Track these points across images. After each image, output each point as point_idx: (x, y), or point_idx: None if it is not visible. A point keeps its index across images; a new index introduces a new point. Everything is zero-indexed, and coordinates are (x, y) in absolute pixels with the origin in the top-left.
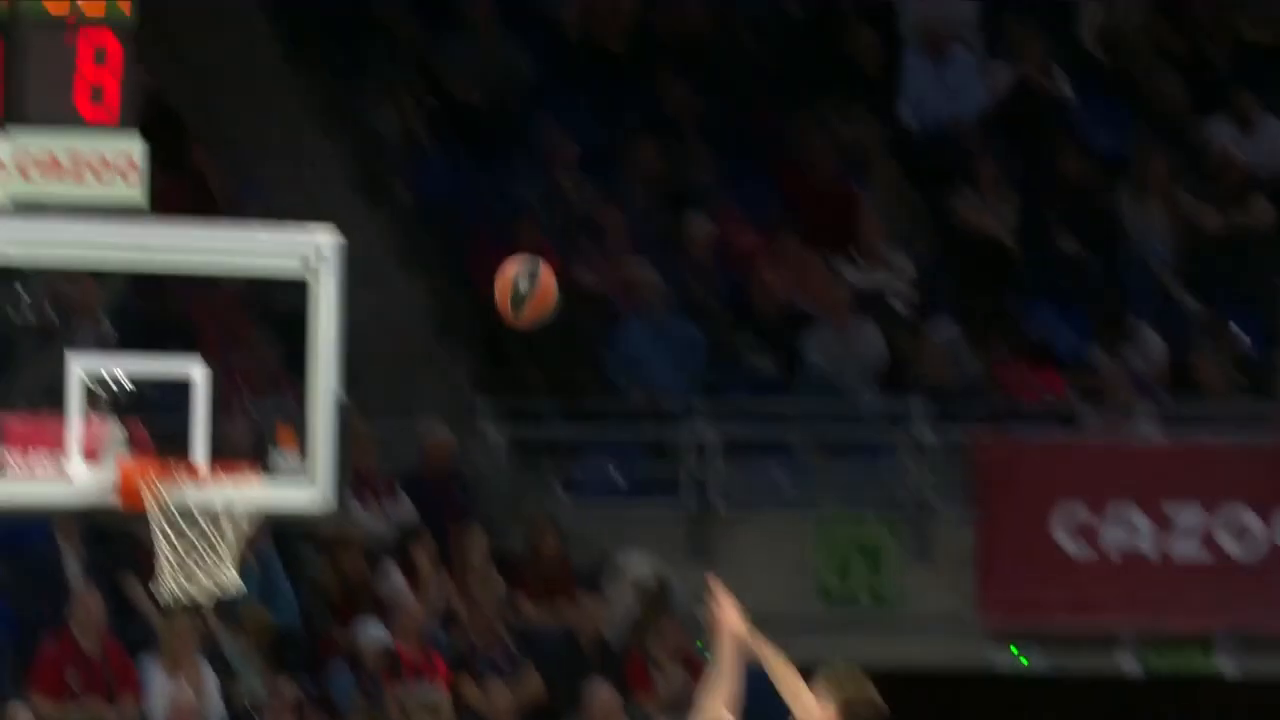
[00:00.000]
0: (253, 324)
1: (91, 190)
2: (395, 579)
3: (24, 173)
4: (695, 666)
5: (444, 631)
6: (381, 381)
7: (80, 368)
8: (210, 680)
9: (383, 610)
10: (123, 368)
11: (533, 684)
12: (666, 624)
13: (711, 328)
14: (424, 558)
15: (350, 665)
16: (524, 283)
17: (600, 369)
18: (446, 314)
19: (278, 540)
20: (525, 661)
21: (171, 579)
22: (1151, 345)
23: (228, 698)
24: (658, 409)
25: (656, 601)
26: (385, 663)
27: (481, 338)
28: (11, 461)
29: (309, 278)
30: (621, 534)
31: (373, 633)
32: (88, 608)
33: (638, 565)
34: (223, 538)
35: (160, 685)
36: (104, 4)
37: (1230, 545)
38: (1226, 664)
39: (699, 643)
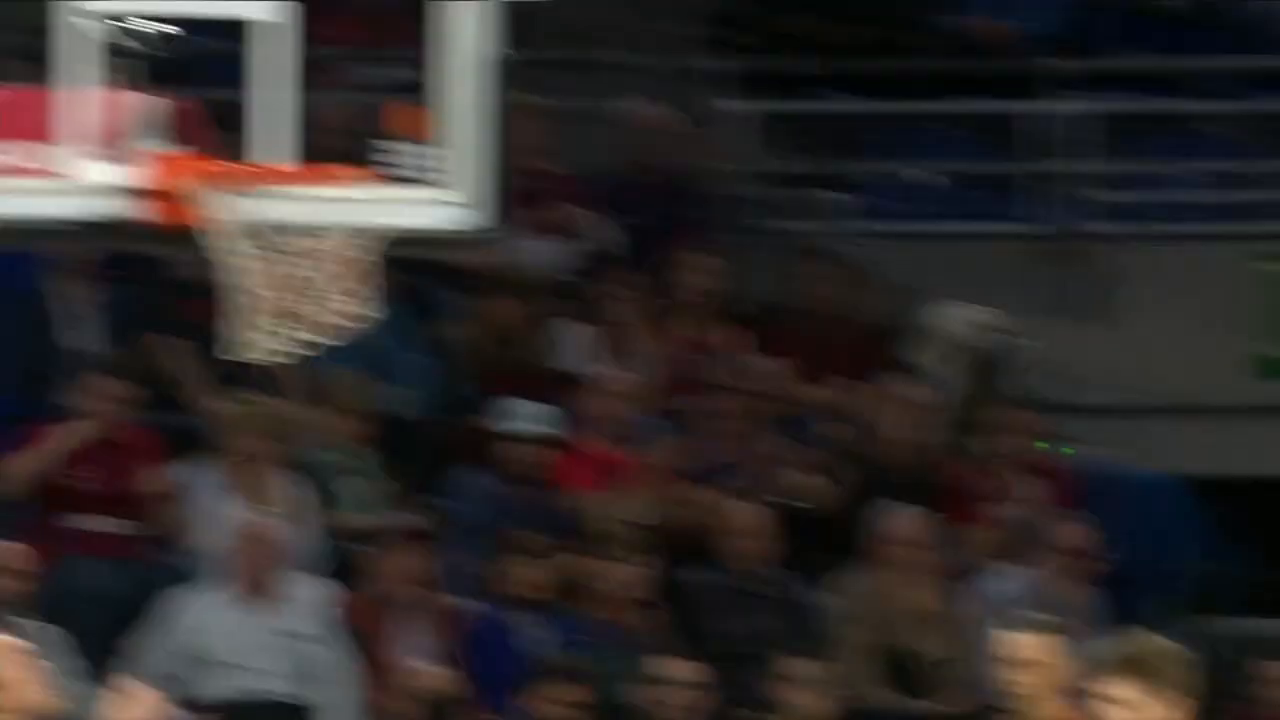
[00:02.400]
0: None
1: None
2: (577, 340)
3: None
4: (1045, 475)
5: (659, 420)
6: (563, 39)
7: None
8: (295, 497)
9: (558, 388)
10: (150, 7)
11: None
12: (1010, 415)
13: None
14: (625, 308)
15: (503, 470)
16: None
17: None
18: None
19: (397, 284)
20: (784, 471)
21: (231, 336)
22: None
23: (318, 518)
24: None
25: (991, 377)
26: (553, 465)
27: None
28: None
29: None
30: (940, 273)
31: (537, 420)
32: (101, 386)
33: (964, 320)
34: (310, 273)
35: (225, 503)
36: None
37: None
38: None
39: (1048, 444)
